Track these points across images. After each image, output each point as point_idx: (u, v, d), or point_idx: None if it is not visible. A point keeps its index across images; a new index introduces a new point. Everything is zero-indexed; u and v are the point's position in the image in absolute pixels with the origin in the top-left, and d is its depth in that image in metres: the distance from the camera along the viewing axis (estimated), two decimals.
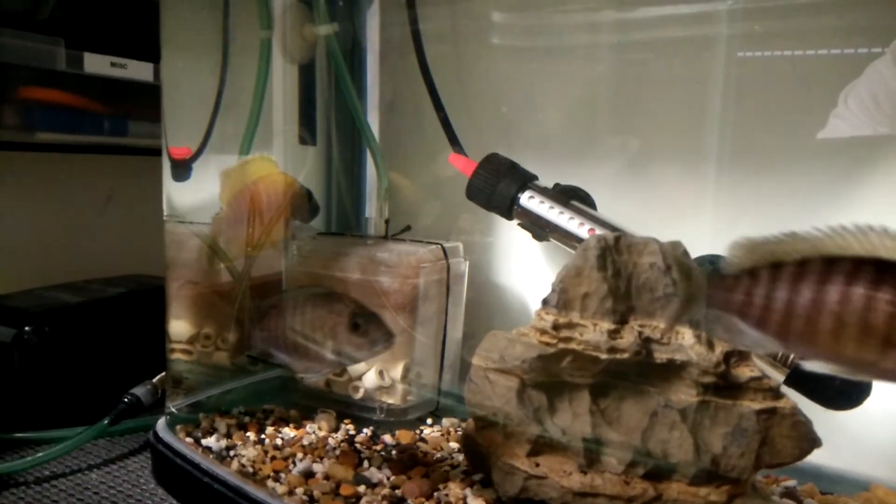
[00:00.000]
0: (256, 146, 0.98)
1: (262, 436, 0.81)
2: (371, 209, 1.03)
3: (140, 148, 1.12)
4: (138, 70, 1.05)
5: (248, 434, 0.81)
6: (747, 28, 0.80)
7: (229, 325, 0.95)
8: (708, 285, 0.48)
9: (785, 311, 0.44)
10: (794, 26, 0.79)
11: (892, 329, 0.41)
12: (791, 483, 0.70)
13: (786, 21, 0.79)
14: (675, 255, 0.60)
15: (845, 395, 0.64)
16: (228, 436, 0.81)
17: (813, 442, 0.58)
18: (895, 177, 0.74)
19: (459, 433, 0.80)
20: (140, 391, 0.92)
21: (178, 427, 0.82)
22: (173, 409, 0.85)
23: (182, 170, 0.93)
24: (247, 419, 0.85)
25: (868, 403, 0.64)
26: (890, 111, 0.73)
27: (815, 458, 0.59)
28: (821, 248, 0.44)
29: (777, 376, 0.65)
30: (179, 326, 0.93)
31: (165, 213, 0.87)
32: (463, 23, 0.99)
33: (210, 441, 0.79)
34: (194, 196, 0.96)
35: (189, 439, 0.80)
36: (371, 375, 0.86)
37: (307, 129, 1.04)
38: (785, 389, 0.62)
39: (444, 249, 0.89)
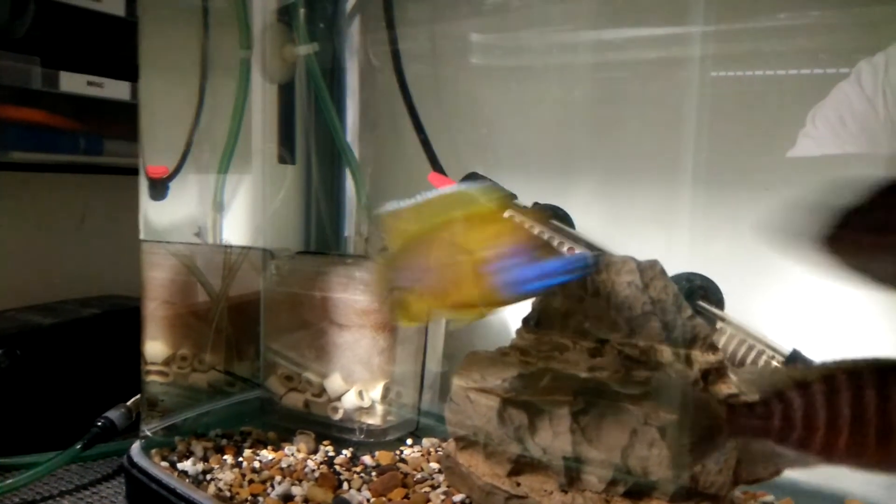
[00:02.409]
0: (235, 165, 0.98)
1: (240, 459, 0.80)
2: (351, 228, 1.03)
3: (116, 167, 1.11)
4: (115, 89, 1.04)
5: (226, 457, 0.80)
6: (720, 49, 0.82)
7: (206, 346, 0.94)
8: (741, 414, 0.50)
9: (826, 429, 0.46)
10: (765, 48, 0.81)
11: None
12: (769, 499, 0.70)
13: (757, 43, 0.81)
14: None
15: None
16: (205, 459, 0.79)
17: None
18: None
19: (440, 453, 0.80)
20: (114, 414, 0.90)
21: (153, 451, 0.80)
22: (148, 433, 0.84)
23: (159, 189, 0.93)
24: (224, 442, 0.84)
25: None
26: (855, 131, 0.75)
27: (792, 473, 0.60)
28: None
29: (754, 392, 0.65)
30: (155, 347, 0.92)
31: (142, 233, 0.86)
32: (442, 43, 1.00)
33: (186, 465, 0.77)
34: (171, 215, 0.95)
35: (164, 463, 0.78)
36: (350, 396, 0.86)
37: (286, 148, 1.04)
38: None
39: None
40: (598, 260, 0.56)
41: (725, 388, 0.60)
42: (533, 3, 0.91)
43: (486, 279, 0.54)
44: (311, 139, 1.04)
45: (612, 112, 0.88)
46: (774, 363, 0.67)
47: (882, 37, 0.74)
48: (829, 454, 0.46)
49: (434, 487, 0.72)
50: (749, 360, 0.69)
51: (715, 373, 0.61)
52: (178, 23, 0.96)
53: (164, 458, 0.79)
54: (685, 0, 0.74)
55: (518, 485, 0.64)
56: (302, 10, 0.95)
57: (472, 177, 0.86)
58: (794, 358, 0.68)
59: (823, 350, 0.65)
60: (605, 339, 0.63)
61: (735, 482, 0.60)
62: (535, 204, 0.83)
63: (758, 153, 0.81)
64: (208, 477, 0.75)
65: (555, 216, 0.82)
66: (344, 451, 0.82)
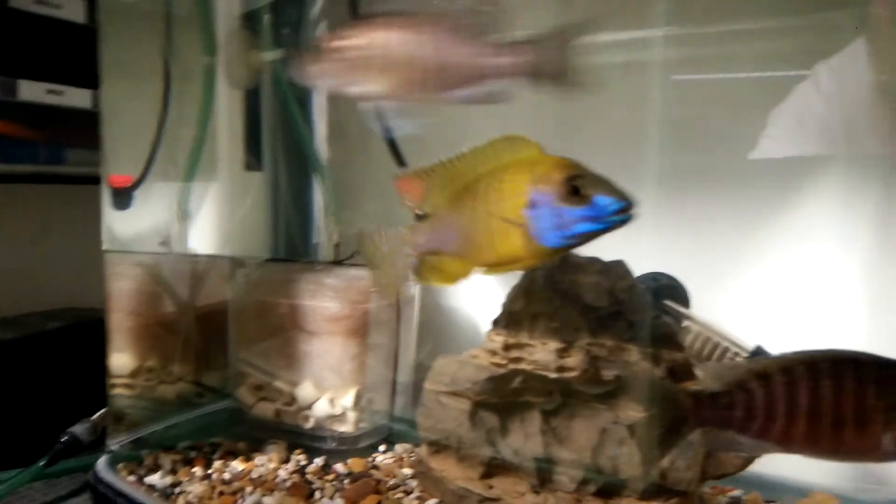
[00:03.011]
0: (201, 172, 0.97)
1: (210, 470, 0.78)
2: (320, 234, 1.02)
3: (78, 176, 1.09)
4: (76, 97, 1.02)
5: (195, 469, 0.78)
6: (681, 53, 0.83)
7: (174, 357, 0.93)
8: (705, 405, 0.51)
9: (785, 419, 0.47)
10: (726, 51, 0.83)
11: (882, 412, 0.46)
12: (737, 493, 0.71)
13: (718, 46, 0.83)
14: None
15: None
16: (173, 472, 0.78)
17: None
18: (820, 194, 0.78)
19: (413, 459, 0.80)
20: (79, 429, 0.88)
21: (119, 465, 0.79)
22: (114, 447, 0.82)
23: (123, 198, 0.91)
24: (193, 454, 0.83)
25: None
26: (814, 131, 0.77)
27: (758, 467, 0.61)
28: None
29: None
30: (121, 360, 0.90)
31: (105, 243, 0.85)
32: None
33: (154, 479, 0.76)
34: (136, 224, 0.94)
35: (132, 478, 0.77)
36: (322, 404, 0.85)
37: (253, 155, 1.03)
38: None
39: None
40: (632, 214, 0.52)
41: (691, 385, 0.61)
42: (500, 9, 0.92)
43: (527, 228, 0.51)
44: (278, 145, 1.03)
45: (576, 115, 0.89)
46: (739, 359, 0.68)
47: (838, 40, 0.76)
48: (788, 442, 0.48)
49: (407, 493, 0.72)
50: (714, 356, 0.70)
51: (681, 370, 0.62)
52: (140, 29, 0.94)
53: (131, 473, 0.78)
54: (646, 4, 0.75)
55: (490, 487, 0.64)
56: (267, 16, 0.95)
57: None
58: (758, 354, 0.69)
59: (785, 344, 0.67)
60: (573, 340, 0.63)
61: (703, 478, 0.61)
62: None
63: (720, 154, 0.83)
64: (177, 490, 0.74)
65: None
66: (316, 460, 0.81)
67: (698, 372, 0.63)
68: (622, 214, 0.50)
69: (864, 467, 0.74)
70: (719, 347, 0.71)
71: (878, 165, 0.75)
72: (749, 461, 0.60)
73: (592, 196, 0.49)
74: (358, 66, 0.56)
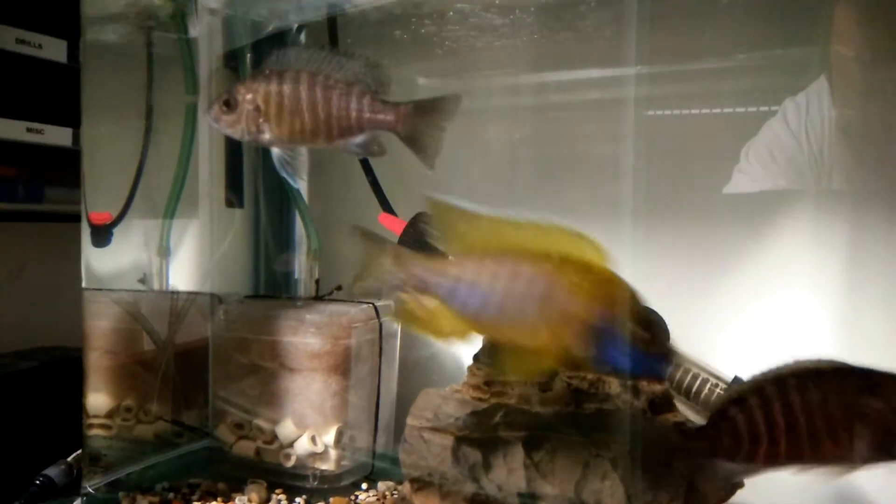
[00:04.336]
0: (181, 209, 0.97)
1: None
2: (300, 270, 1.02)
3: (57, 213, 1.08)
4: (56, 135, 1.02)
5: None
6: (655, 90, 0.86)
7: (152, 396, 0.91)
8: (694, 438, 0.53)
9: (768, 438, 0.49)
10: (698, 89, 0.85)
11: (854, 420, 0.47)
12: None
13: (690, 84, 0.86)
14: None
15: None
16: None
17: (736, 483, 0.61)
18: (791, 227, 0.80)
19: (396, 496, 0.79)
20: (53, 471, 0.86)
21: None
22: (90, 489, 0.80)
23: (102, 235, 0.91)
24: (171, 495, 0.81)
25: None
26: (784, 165, 0.80)
27: (740, 498, 0.61)
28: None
29: (699, 419, 0.67)
30: (98, 400, 0.89)
31: (84, 281, 0.84)
32: (390, 87, 1.01)
33: None
34: (115, 261, 0.93)
35: None
36: (303, 441, 0.84)
37: (234, 192, 1.04)
38: None
39: (375, 308, 0.89)
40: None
41: (672, 417, 0.62)
42: (478, 48, 0.94)
43: (583, 340, 0.47)
44: (259, 182, 1.03)
45: (553, 151, 0.91)
46: (718, 391, 0.69)
47: (804, 77, 0.79)
48: (775, 460, 0.48)
49: None
50: (694, 388, 0.71)
51: (661, 402, 0.62)
52: (121, 68, 0.95)
53: None
54: (618, 45, 0.78)
55: None
56: (248, 55, 0.96)
57: (419, 217, 0.87)
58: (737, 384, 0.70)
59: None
60: (555, 373, 0.63)
61: None
62: None
63: (695, 189, 0.85)
64: None
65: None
66: (297, 499, 0.80)
67: (678, 405, 0.64)
68: (663, 375, 0.52)
69: (848, 494, 0.75)
70: (699, 379, 0.72)
71: (845, 200, 0.77)
72: (732, 492, 0.61)
73: (658, 350, 0.48)
74: (263, 116, 0.64)
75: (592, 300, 0.48)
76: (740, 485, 0.60)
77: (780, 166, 0.81)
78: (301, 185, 0.98)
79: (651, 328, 0.48)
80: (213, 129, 0.99)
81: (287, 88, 0.63)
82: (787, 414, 0.47)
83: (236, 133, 0.66)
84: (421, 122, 0.64)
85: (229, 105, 0.65)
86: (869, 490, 0.73)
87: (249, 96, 0.64)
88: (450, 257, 0.53)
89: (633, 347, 0.48)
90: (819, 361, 0.49)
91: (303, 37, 0.99)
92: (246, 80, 0.65)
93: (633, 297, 0.49)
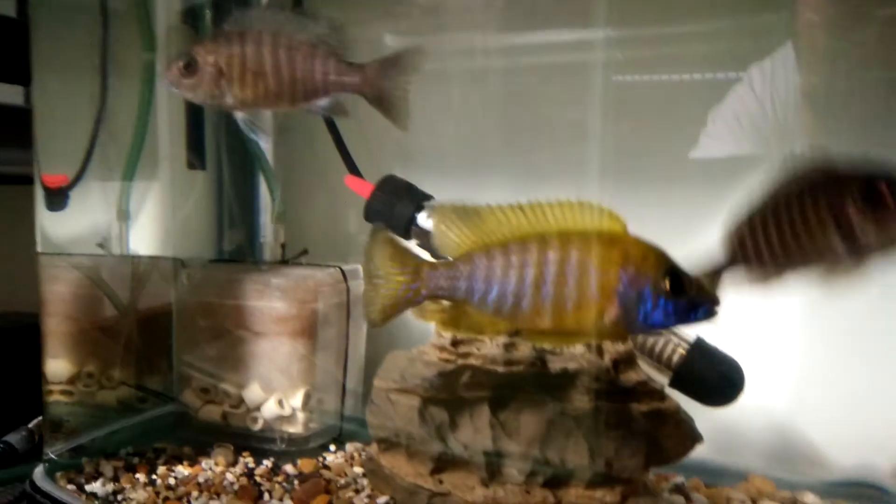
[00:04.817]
0: (141, 171, 0.94)
1: (154, 476, 0.76)
2: (266, 233, 1.01)
3: (9, 175, 1.04)
4: (6, 93, 0.98)
5: (138, 476, 0.76)
6: (622, 54, 0.85)
7: (115, 361, 0.90)
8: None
9: (768, 250, 0.55)
10: (666, 53, 0.85)
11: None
12: (679, 479, 0.74)
13: (658, 48, 0.85)
14: None
15: (721, 393, 0.69)
16: (116, 479, 0.76)
17: (695, 439, 0.62)
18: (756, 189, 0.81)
19: (363, 457, 0.79)
20: (14, 438, 0.85)
21: (58, 474, 0.76)
22: (52, 455, 0.79)
23: (58, 198, 0.88)
24: (136, 460, 0.80)
25: (743, 400, 0.69)
26: (749, 131, 0.80)
27: (699, 453, 0.63)
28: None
29: (661, 378, 0.69)
30: (58, 366, 0.87)
31: (39, 245, 0.81)
32: (354, 45, 0.99)
33: (95, 486, 0.74)
34: (73, 225, 0.90)
35: (71, 486, 0.74)
36: (270, 405, 0.84)
37: (196, 153, 1.01)
38: (668, 391, 0.66)
39: (342, 272, 0.88)
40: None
41: (635, 376, 0.63)
42: (446, 8, 0.92)
43: (614, 308, 0.47)
44: (221, 143, 1.01)
45: (521, 113, 0.90)
46: (680, 350, 0.70)
47: (770, 43, 0.79)
48: (778, 261, 0.55)
49: (358, 492, 0.72)
50: (657, 348, 0.72)
51: (625, 362, 0.63)
52: (74, 23, 0.91)
53: (70, 481, 0.75)
54: (587, 8, 0.77)
55: (441, 482, 0.65)
56: (208, 12, 0.93)
57: (389, 179, 0.86)
58: (698, 345, 0.71)
59: (721, 337, 0.69)
60: (520, 334, 0.64)
61: (647, 465, 0.63)
62: None
63: (662, 153, 0.85)
64: (119, 497, 0.72)
65: None
66: (264, 462, 0.80)
67: (641, 364, 0.65)
68: (710, 316, 0.49)
69: (796, 453, 0.78)
70: (661, 339, 0.73)
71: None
72: (691, 447, 0.62)
73: (692, 294, 0.48)
74: (226, 80, 0.62)
75: (627, 267, 0.48)
76: (699, 440, 0.62)
77: (746, 131, 0.82)
78: (266, 144, 0.96)
79: (689, 278, 0.48)
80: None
81: (250, 50, 0.61)
82: (780, 224, 0.54)
83: (198, 97, 0.64)
84: (388, 81, 0.63)
85: (189, 68, 0.62)
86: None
87: (211, 59, 0.62)
88: (472, 257, 0.51)
89: (678, 302, 0.48)
90: (808, 170, 0.55)
91: None
92: (206, 42, 0.63)
93: (663, 256, 0.49)
